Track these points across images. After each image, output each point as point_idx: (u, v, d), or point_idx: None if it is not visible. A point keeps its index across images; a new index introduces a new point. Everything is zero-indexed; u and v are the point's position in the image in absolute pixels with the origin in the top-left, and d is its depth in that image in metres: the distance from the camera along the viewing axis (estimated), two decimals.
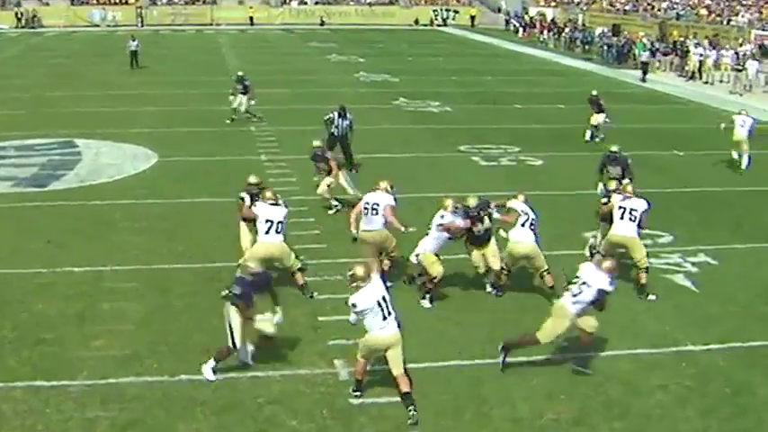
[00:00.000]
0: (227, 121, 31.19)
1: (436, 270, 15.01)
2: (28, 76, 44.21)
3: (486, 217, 15.34)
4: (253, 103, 31.50)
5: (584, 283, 12.67)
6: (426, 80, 44.61)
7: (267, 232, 15.26)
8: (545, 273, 15.46)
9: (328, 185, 20.91)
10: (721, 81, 45.40)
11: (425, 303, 15.26)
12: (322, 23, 79.59)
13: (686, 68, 47.89)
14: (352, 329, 13.83)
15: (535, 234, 15.35)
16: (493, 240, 15.51)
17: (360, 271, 11.80)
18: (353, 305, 11.66)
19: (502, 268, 15.58)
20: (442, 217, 15.10)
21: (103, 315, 14.54)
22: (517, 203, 15.56)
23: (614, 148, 20.84)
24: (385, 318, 11.61)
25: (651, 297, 15.89)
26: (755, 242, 19.29)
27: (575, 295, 12.65)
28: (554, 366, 13.12)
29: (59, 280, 16.06)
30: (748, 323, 14.84)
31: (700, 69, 46.88)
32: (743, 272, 17.36)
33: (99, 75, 45.01)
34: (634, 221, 16.02)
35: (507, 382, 12.43)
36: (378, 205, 15.53)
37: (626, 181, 18.78)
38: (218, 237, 17.97)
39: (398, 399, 11.80)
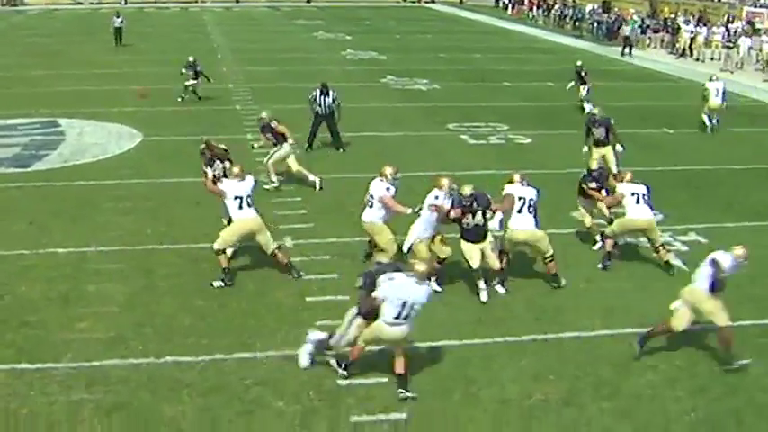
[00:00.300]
0: (179, 99, 31.24)
1: (444, 252, 14.78)
2: (9, 55, 43.97)
3: (480, 212, 14.45)
4: (196, 82, 31.37)
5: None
6: (414, 58, 44.53)
7: (240, 208, 15.06)
8: (548, 260, 15.18)
9: (277, 159, 20.91)
10: (712, 59, 45.46)
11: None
12: (308, 0, 79.31)
13: (677, 46, 47.89)
14: (339, 309, 13.85)
15: (535, 216, 15.02)
16: (489, 238, 14.73)
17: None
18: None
19: (501, 259, 15.04)
20: (437, 198, 14.58)
21: (88, 297, 14.48)
22: (512, 188, 15.13)
23: (596, 111, 22.08)
24: (399, 316, 11.48)
25: (677, 263, 16.39)
26: (746, 221, 19.33)
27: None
28: (543, 347, 13.10)
29: (43, 262, 15.99)
30: (739, 303, 14.78)
31: (690, 47, 46.88)
32: None
33: (82, 53, 44.80)
34: (647, 204, 16.19)
35: (495, 363, 12.43)
36: (372, 197, 15.21)
37: (617, 169, 18.72)
38: (203, 217, 17.89)
39: (386, 380, 11.81)
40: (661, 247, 16.32)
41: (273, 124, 20.94)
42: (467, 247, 14.60)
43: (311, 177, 20.83)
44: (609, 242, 16.39)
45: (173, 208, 19.16)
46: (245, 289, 14.80)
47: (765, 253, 17.15)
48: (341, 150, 24.38)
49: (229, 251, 15.45)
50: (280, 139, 20.76)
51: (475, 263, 14.51)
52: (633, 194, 16.21)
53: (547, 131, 27.34)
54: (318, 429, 10.66)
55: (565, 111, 29.64)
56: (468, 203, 14.35)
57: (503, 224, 15.17)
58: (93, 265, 15.89)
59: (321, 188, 20.57)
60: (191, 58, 31.38)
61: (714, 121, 27.90)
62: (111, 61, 41.55)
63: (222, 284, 14.88)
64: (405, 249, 14.72)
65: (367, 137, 26.18)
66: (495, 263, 14.72)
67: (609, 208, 17.25)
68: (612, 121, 21.47)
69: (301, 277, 15.29)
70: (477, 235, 14.53)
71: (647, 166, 23.52)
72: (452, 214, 14.36)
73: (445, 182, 14.69)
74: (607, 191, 16.96)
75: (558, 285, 15.13)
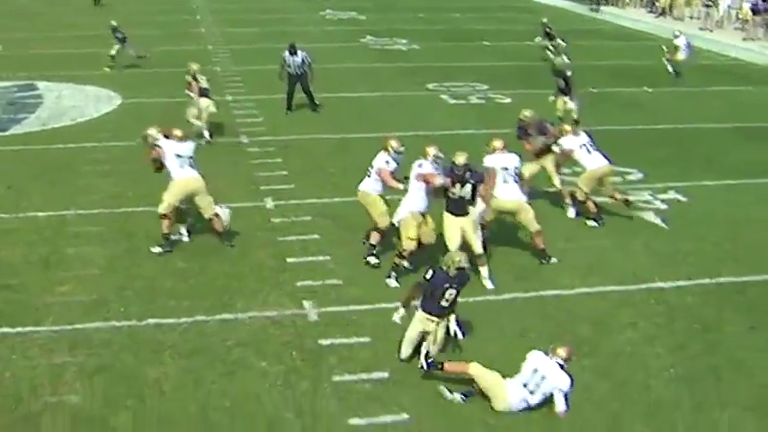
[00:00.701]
0: (106, 69, 30.60)
1: (408, 244, 13.66)
2: None
3: (468, 183, 13.32)
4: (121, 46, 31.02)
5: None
6: (394, 18, 44.35)
7: (181, 167, 14.66)
8: (535, 235, 14.61)
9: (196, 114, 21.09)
10: (691, 17, 45.36)
11: (391, 282, 13.74)
12: None
13: (657, 4, 47.79)
14: (320, 270, 13.92)
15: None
16: (472, 216, 13.59)
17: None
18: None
19: (484, 234, 14.11)
20: (420, 166, 13.62)
21: (68, 260, 14.44)
22: (494, 159, 14.43)
23: (557, 62, 23.55)
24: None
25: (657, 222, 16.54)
26: (725, 179, 19.42)
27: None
28: (524, 306, 13.17)
29: (23, 225, 15.93)
30: (717, 260, 14.96)
31: (670, 5, 46.79)
32: (713, 209, 17.48)
33: (60, 15, 44.37)
34: (597, 151, 16.31)
35: (476, 323, 12.46)
36: (372, 167, 14.34)
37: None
38: None
39: (368, 339, 11.87)
40: (615, 192, 16.58)
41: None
42: (448, 221, 13.51)
43: (205, 132, 21.19)
44: (589, 204, 16.41)
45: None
46: (227, 250, 14.79)
47: (744, 211, 17.31)
48: (315, 111, 24.27)
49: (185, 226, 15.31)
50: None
51: (453, 244, 13.27)
52: (582, 146, 16.24)
53: (527, 90, 27.27)
54: (301, 389, 10.68)
55: (545, 70, 29.51)
56: (461, 173, 13.27)
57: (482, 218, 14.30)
58: (74, 228, 15.84)
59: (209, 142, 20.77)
60: (113, 23, 30.93)
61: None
62: (90, 23, 41.12)
63: (160, 251, 14.66)
64: (395, 221, 13.94)
65: (345, 98, 26.14)
66: (477, 246, 13.57)
67: (558, 166, 16.89)
68: (570, 74, 22.33)
69: (233, 247, 15.01)
70: (461, 207, 13.43)
71: (627, 125, 23.71)
72: (439, 181, 13.35)
73: (431, 150, 13.75)
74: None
75: (547, 261, 14.68)
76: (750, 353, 11.92)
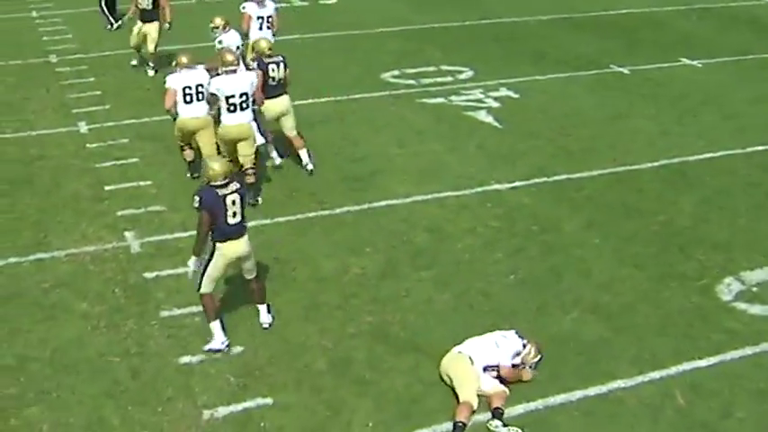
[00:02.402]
0: None
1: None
2: None
3: (281, 64, 13.59)
4: None
5: None
6: None
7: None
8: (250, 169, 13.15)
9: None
10: None
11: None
12: None
13: None
14: (141, 197, 13.26)
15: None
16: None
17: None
18: None
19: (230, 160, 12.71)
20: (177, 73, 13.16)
21: None
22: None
23: None
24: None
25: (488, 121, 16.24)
26: (556, 72, 19.45)
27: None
28: (358, 218, 12.85)
29: None
30: (552, 157, 14.94)
31: None
32: (545, 104, 17.47)
33: None
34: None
35: (308, 240, 12.10)
36: (202, 86, 13.16)
37: None
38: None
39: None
40: None
41: None
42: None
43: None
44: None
45: None
46: (38, 181, 13.90)
47: (575, 104, 17.39)
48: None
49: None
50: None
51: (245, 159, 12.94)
52: (258, 18, 15.77)
53: None
54: (126, 329, 10.09)
55: None
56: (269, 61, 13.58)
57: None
58: None
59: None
60: None
61: None
62: None
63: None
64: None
65: None
66: (252, 149, 13.06)
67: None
68: None
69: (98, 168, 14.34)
70: (280, 87, 13.67)
71: (455, 21, 23.45)
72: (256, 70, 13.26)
73: (183, 59, 13.20)
74: None
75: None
76: (587, 251, 11.93)
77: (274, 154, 14.40)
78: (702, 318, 10.45)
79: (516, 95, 17.91)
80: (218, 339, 9.66)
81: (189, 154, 13.87)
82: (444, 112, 16.90)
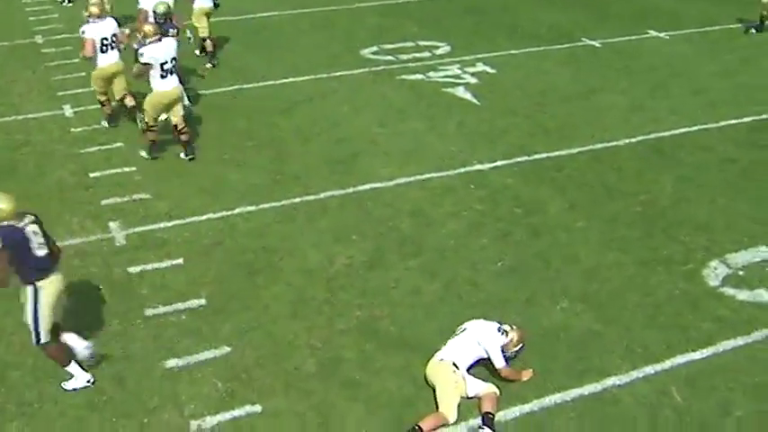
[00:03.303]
0: None
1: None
2: None
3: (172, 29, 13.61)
4: None
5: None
6: None
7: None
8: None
9: None
10: None
11: (143, 153, 13.11)
12: None
13: None
14: (126, 184, 12.21)
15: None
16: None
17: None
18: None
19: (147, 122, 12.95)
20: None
21: None
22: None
23: None
24: (164, 76, 12.22)
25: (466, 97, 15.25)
26: (530, 46, 18.42)
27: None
28: (342, 203, 11.81)
29: None
30: (531, 135, 13.96)
31: None
32: (521, 79, 16.46)
33: None
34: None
35: (295, 228, 11.10)
36: (115, 36, 13.65)
37: None
38: None
39: (181, 261, 10.31)
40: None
41: None
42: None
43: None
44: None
45: None
46: (22, 169, 12.80)
47: (550, 79, 16.41)
48: None
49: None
50: None
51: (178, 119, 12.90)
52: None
53: None
54: (111, 330, 9.07)
55: None
56: (162, 21, 13.76)
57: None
58: None
59: None
60: None
61: None
62: None
63: None
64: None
65: None
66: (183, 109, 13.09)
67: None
68: None
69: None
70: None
71: None
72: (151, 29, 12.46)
73: (93, 9, 13.42)
74: None
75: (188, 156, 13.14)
76: (573, 235, 10.98)
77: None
78: (691, 305, 9.53)
79: (493, 71, 16.88)
80: (82, 378, 8.19)
81: (108, 107, 14.04)
82: (423, 89, 15.86)
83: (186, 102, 13.80)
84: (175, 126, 12.81)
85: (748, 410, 7.98)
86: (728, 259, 10.43)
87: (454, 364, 8.07)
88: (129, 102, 13.81)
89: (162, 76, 12.35)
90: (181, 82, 13.19)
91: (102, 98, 13.91)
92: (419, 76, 16.47)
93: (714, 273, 10.16)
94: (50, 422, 7.78)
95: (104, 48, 13.40)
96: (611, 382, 8.34)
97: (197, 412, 7.89)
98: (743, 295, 9.72)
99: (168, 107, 12.74)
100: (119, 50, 13.65)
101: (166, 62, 12.31)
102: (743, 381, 8.37)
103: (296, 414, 7.89)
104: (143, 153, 13.04)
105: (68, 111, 14.72)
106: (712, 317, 9.34)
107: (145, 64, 12.17)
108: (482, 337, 8.35)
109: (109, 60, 13.52)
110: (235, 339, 8.89)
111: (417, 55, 17.78)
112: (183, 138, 12.88)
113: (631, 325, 9.17)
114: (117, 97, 13.88)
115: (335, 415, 7.89)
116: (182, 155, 13.02)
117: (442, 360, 8.14)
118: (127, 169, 12.69)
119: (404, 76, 16.52)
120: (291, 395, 8.12)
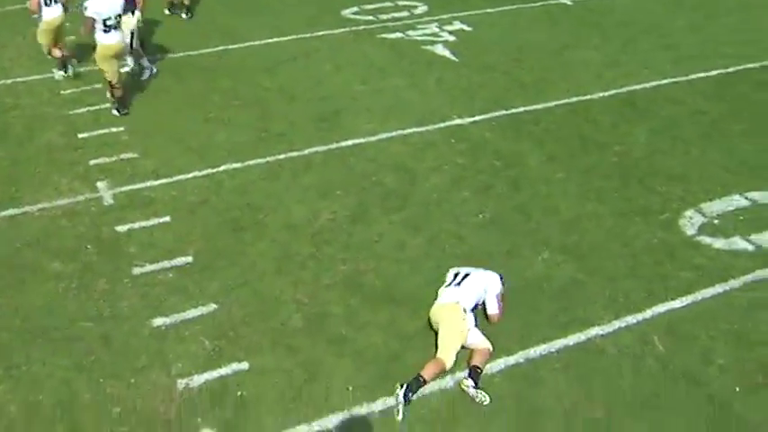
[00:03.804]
0: None
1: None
2: None
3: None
4: None
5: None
6: None
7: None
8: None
9: None
10: None
11: (114, 111, 12.49)
12: None
13: None
14: (114, 144, 11.56)
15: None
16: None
17: None
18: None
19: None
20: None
21: None
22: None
23: None
24: (107, 31, 11.77)
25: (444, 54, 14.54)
26: (505, 5, 17.70)
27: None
28: (326, 158, 11.20)
29: None
30: (508, 90, 13.35)
31: None
32: (497, 37, 15.78)
33: None
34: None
35: (278, 186, 10.49)
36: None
37: None
38: None
39: (168, 219, 9.72)
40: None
41: None
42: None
43: None
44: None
45: None
46: (12, 132, 12.08)
47: (525, 36, 15.83)
48: None
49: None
50: None
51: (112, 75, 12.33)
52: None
53: None
54: (98, 289, 8.49)
55: None
56: None
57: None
58: None
59: None
60: None
61: None
62: None
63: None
64: None
65: None
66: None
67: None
68: None
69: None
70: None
71: None
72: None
73: None
74: None
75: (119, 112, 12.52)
76: (552, 187, 10.45)
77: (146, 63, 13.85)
78: (670, 255, 9.05)
79: (469, 29, 16.19)
80: None
81: (57, 52, 13.68)
82: (403, 47, 15.18)
83: (129, 62, 13.67)
84: (110, 81, 12.34)
85: (729, 359, 7.54)
86: (703, 208, 9.95)
87: (465, 311, 7.54)
88: (56, 53, 13.62)
89: (104, 31, 11.89)
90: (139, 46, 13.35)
91: (50, 50, 13.69)
92: (398, 35, 15.79)
93: (690, 222, 9.67)
94: (38, 384, 7.24)
95: (48, 1, 13.16)
96: (594, 332, 7.89)
97: (184, 371, 7.37)
98: (719, 243, 9.26)
99: (111, 59, 12.22)
100: (63, 5, 13.36)
101: (110, 18, 11.80)
102: (723, 328, 7.93)
103: (283, 371, 7.39)
104: (114, 111, 12.37)
105: (58, 74, 13.95)
106: (690, 265, 8.87)
107: (88, 18, 11.72)
108: (489, 285, 7.89)
109: (53, 14, 13.25)
110: (221, 296, 8.35)
111: (396, 15, 17.05)
112: (116, 93, 12.42)
113: (612, 275, 8.70)
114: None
115: (322, 371, 7.40)
116: (113, 111, 12.49)
117: (457, 303, 7.58)
118: (114, 129, 12.01)
119: (384, 35, 15.82)
120: (278, 352, 7.61)
